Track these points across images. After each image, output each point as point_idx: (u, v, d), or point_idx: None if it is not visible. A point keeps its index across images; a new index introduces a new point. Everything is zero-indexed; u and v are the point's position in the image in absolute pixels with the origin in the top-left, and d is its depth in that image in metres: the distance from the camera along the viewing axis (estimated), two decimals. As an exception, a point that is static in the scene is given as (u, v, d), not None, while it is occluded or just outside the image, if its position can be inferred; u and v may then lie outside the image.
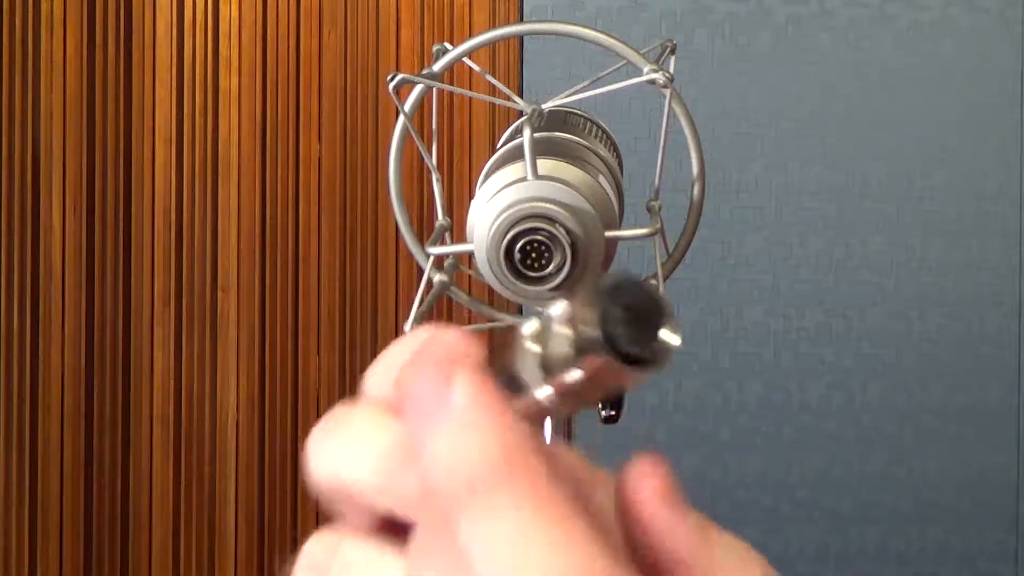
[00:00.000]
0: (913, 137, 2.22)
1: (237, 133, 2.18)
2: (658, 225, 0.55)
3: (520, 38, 2.09)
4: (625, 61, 0.55)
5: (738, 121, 2.18)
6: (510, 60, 2.14)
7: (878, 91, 2.22)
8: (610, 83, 0.57)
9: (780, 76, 2.21)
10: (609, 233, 0.51)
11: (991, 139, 2.23)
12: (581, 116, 0.62)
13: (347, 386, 2.15)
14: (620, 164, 0.62)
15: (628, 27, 2.17)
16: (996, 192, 2.23)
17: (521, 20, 2.18)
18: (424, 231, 2.17)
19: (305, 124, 2.19)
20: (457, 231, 0.56)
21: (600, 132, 0.61)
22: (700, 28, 2.18)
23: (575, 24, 0.55)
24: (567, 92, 0.59)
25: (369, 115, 2.20)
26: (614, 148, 0.62)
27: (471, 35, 2.23)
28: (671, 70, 0.55)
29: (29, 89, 2.16)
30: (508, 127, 0.64)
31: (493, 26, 2.18)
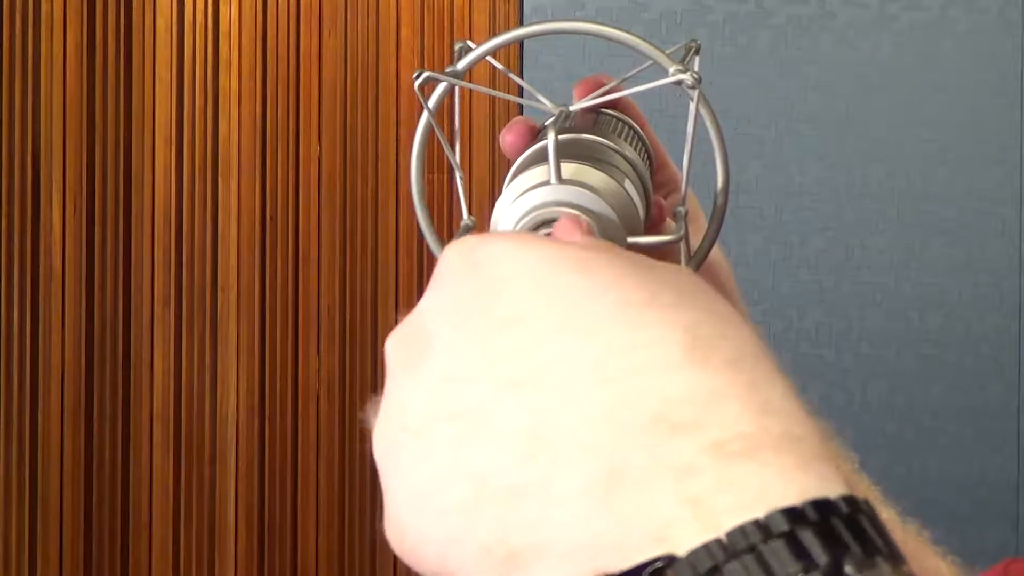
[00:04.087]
0: (913, 137, 2.22)
1: (237, 133, 2.18)
2: (682, 232, 0.54)
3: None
4: (650, 62, 0.54)
5: (738, 121, 2.18)
6: (510, 60, 2.14)
7: (878, 91, 2.22)
8: (633, 84, 0.57)
9: (780, 76, 2.21)
10: (631, 239, 0.51)
11: (991, 139, 2.23)
12: (612, 116, 0.61)
13: (347, 386, 2.15)
14: (651, 165, 0.62)
15: (628, 27, 2.16)
16: (996, 192, 2.23)
17: (521, 21, 2.18)
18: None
19: (305, 124, 2.19)
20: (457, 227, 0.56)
21: (631, 133, 0.61)
22: (700, 28, 2.18)
23: (600, 24, 0.55)
24: (595, 94, 0.59)
25: (369, 115, 2.20)
26: (645, 149, 0.61)
27: (471, 35, 2.23)
28: (696, 70, 0.54)
29: (29, 89, 2.16)
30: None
31: (493, 27, 2.18)
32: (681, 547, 0.28)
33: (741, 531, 0.28)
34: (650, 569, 0.28)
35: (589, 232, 0.45)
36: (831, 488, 0.29)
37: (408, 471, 0.35)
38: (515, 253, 0.37)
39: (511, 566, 0.32)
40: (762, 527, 0.28)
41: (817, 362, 2.20)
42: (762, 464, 0.29)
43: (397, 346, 0.39)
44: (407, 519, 0.35)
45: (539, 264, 0.36)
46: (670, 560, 0.28)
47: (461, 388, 0.35)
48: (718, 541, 0.28)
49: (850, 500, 0.29)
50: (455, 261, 0.38)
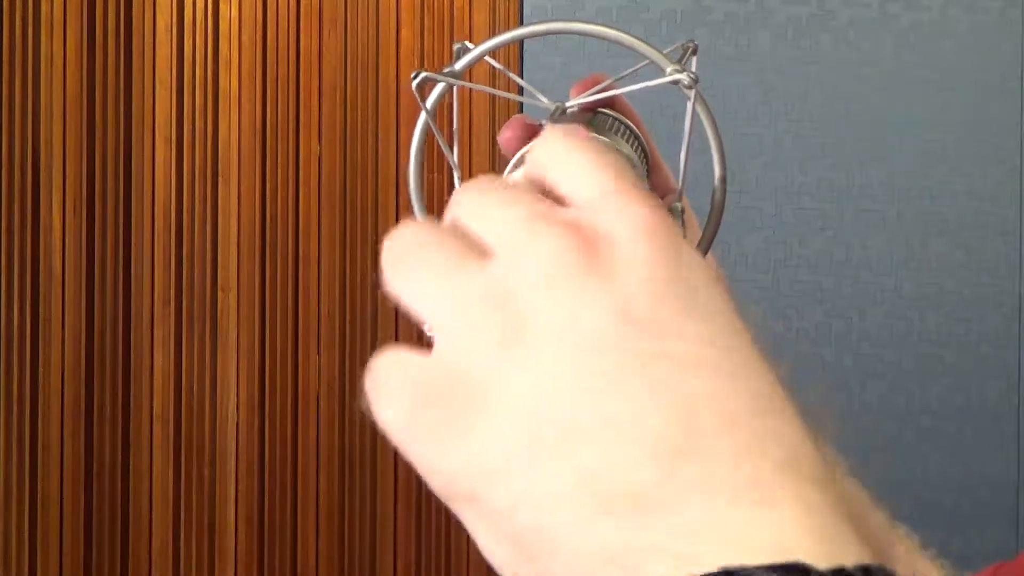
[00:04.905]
0: (913, 137, 2.22)
1: (237, 133, 2.18)
2: (680, 229, 0.54)
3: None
4: (647, 61, 0.54)
5: (738, 121, 2.18)
6: (510, 60, 2.14)
7: (878, 91, 2.22)
8: (631, 83, 0.57)
9: (780, 76, 2.21)
10: None
11: (991, 139, 2.23)
12: (608, 115, 0.61)
13: (347, 386, 2.15)
14: (648, 163, 0.62)
15: (628, 27, 2.16)
16: (996, 192, 2.23)
17: (521, 21, 2.18)
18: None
19: (305, 124, 2.19)
20: None
21: (627, 132, 0.61)
22: (700, 28, 2.18)
23: (598, 24, 0.55)
24: (591, 91, 0.59)
25: (369, 115, 2.20)
26: (641, 149, 0.61)
27: (471, 35, 2.23)
28: (693, 70, 0.54)
29: (29, 89, 2.16)
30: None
31: (493, 27, 2.18)
32: (811, 562, 0.30)
33: (864, 569, 0.30)
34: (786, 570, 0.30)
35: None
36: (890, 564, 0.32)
37: (521, 380, 0.34)
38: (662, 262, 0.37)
39: (614, 508, 0.32)
40: (868, 572, 0.30)
41: (817, 362, 2.20)
42: (853, 524, 0.32)
43: (570, 249, 0.35)
44: (493, 423, 0.34)
45: (683, 281, 0.36)
46: (804, 569, 0.30)
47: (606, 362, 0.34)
48: (843, 569, 0.30)
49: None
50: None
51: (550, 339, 0.34)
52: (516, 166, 0.54)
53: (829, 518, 0.31)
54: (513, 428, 0.33)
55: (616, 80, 0.60)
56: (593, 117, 0.60)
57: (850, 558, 0.30)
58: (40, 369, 2.15)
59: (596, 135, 0.56)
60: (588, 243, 0.35)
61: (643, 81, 0.55)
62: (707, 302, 0.35)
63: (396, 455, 2.30)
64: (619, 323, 0.34)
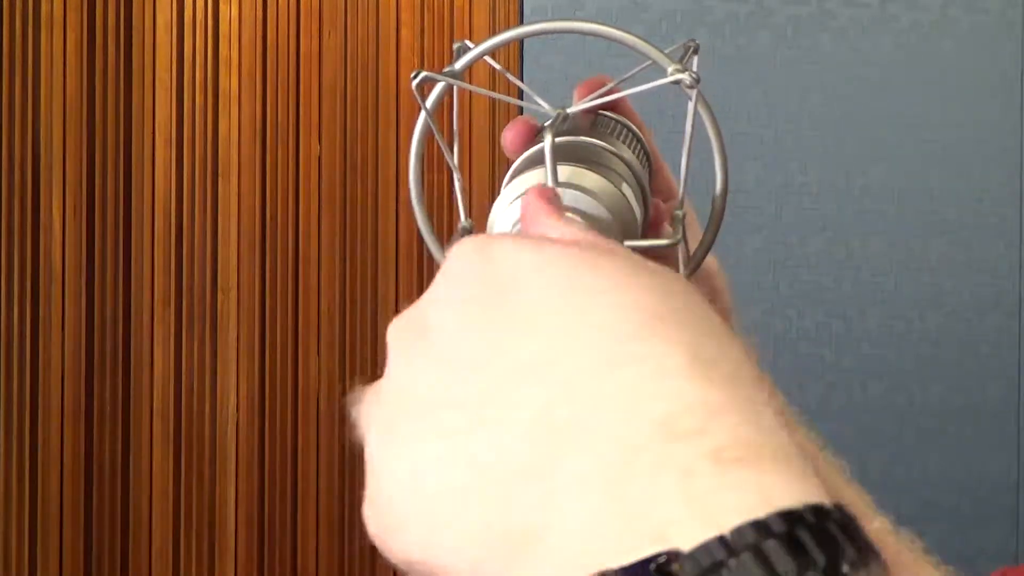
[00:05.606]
0: (913, 137, 2.22)
1: (237, 133, 2.18)
2: (679, 236, 0.54)
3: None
4: (649, 63, 0.54)
5: (738, 121, 2.18)
6: (510, 60, 2.14)
7: (878, 91, 2.22)
8: (632, 85, 0.57)
9: (780, 76, 2.21)
10: (628, 243, 0.51)
11: (991, 139, 2.23)
12: (611, 118, 0.61)
13: (347, 386, 2.15)
14: (650, 168, 0.62)
15: (628, 27, 2.16)
16: (996, 192, 2.23)
17: (521, 21, 2.18)
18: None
19: (305, 124, 2.19)
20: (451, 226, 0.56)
21: (629, 135, 0.61)
22: (700, 28, 2.18)
23: (598, 23, 0.55)
24: (592, 95, 0.59)
25: (369, 115, 2.20)
26: (644, 152, 0.61)
27: (471, 35, 2.23)
28: (695, 70, 0.54)
29: (29, 89, 2.16)
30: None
31: (493, 27, 2.18)
32: (682, 545, 0.29)
33: (742, 530, 0.29)
34: (654, 564, 0.29)
35: (556, 199, 0.45)
36: (821, 498, 0.30)
37: (404, 453, 0.36)
38: (530, 251, 0.38)
39: (507, 547, 0.32)
40: (762, 527, 0.29)
41: (817, 362, 2.20)
42: (759, 472, 0.31)
43: (400, 332, 0.39)
44: (395, 499, 0.35)
45: (552, 262, 0.37)
46: (674, 555, 0.29)
47: (466, 376, 0.35)
48: (721, 538, 0.29)
49: (842, 508, 0.30)
50: (468, 255, 0.39)
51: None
52: (515, 173, 0.54)
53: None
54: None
55: (619, 83, 0.60)
56: (595, 120, 0.60)
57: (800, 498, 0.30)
58: (40, 369, 2.15)
59: (596, 139, 0.56)
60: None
61: (644, 82, 0.54)
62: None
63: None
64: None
